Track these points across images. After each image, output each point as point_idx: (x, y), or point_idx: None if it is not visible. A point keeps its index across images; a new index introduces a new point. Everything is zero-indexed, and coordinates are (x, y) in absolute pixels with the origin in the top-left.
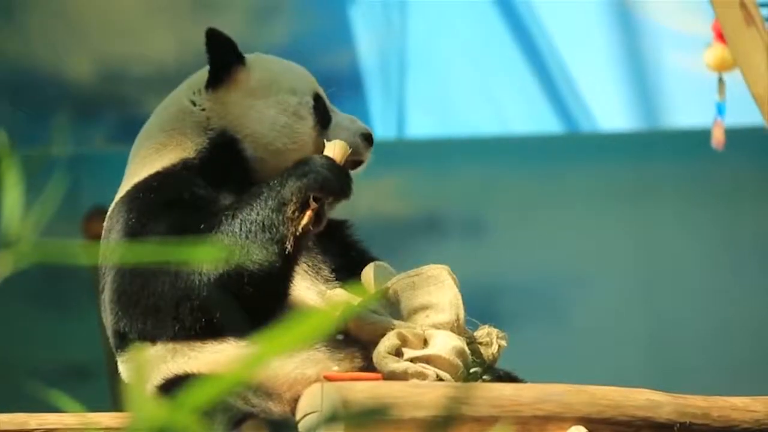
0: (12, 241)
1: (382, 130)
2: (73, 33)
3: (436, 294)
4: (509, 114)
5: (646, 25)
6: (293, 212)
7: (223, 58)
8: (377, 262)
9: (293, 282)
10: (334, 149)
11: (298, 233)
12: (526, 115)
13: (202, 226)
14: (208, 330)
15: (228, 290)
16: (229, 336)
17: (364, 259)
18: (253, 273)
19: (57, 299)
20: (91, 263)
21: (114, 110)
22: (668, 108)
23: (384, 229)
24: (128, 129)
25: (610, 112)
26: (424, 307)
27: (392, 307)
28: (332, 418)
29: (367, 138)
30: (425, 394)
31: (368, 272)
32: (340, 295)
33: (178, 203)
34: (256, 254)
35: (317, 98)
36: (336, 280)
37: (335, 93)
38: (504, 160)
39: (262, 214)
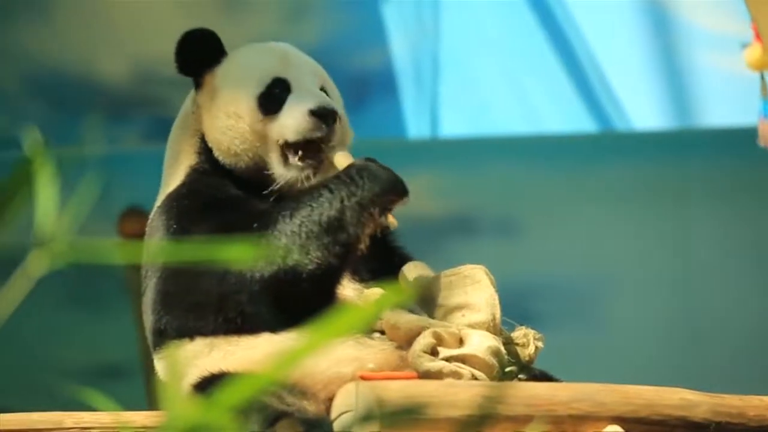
0: (47, 240)
1: (415, 129)
2: (107, 33)
3: (473, 294)
4: (542, 113)
5: (679, 24)
6: (375, 215)
7: (189, 64)
8: (415, 262)
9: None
10: (344, 159)
11: (377, 233)
12: (559, 113)
13: (254, 225)
14: (248, 326)
15: (276, 289)
16: (267, 332)
17: (403, 261)
18: (308, 273)
19: (92, 299)
20: (126, 263)
21: (147, 110)
22: (702, 107)
23: (416, 229)
24: (161, 128)
25: (643, 110)
26: (460, 307)
27: (428, 306)
28: (367, 417)
29: (317, 113)
30: (460, 394)
31: (406, 272)
32: (377, 294)
33: (216, 205)
34: (315, 255)
35: (273, 84)
36: (375, 280)
37: (367, 92)
38: (537, 160)
39: (327, 215)
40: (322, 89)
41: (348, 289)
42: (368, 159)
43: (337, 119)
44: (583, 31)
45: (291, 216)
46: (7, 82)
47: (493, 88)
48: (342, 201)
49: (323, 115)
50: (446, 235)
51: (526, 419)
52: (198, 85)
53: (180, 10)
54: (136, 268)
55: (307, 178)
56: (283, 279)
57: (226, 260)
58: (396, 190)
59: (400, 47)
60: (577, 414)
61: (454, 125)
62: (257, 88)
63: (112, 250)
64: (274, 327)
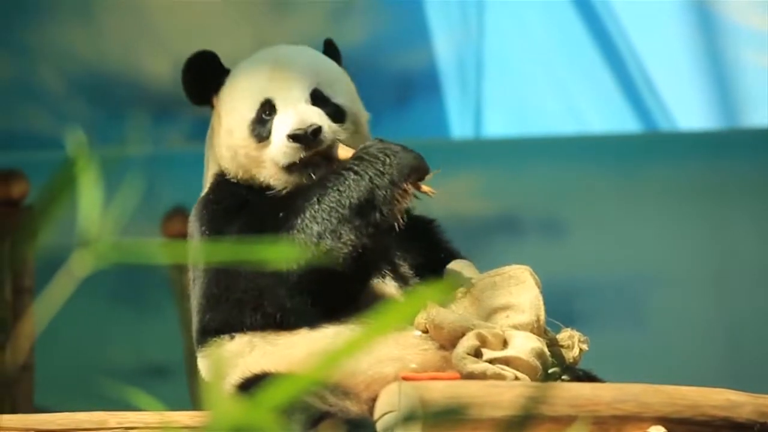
0: (91, 240)
1: (459, 129)
2: (150, 33)
3: (517, 294)
4: (586, 113)
5: (724, 23)
6: (407, 189)
7: (196, 92)
8: (461, 261)
9: (374, 276)
10: (343, 154)
11: (408, 207)
12: (603, 113)
13: (280, 214)
14: (287, 321)
15: (314, 278)
16: (306, 327)
17: (450, 258)
18: (344, 257)
19: (137, 298)
20: (170, 263)
21: (191, 109)
22: (747, 106)
23: (460, 229)
24: (204, 128)
25: (688, 110)
26: (504, 308)
27: (473, 306)
28: (410, 418)
29: (293, 138)
30: (503, 394)
31: (451, 270)
32: (421, 292)
33: (242, 205)
34: (348, 238)
35: (261, 108)
36: (419, 278)
37: (410, 92)
38: (581, 159)
39: (358, 197)
40: (316, 91)
41: (391, 286)
42: (379, 139)
43: (320, 132)
44: (627, 30)
45: (319, 202)
46: (51, 83)
47: (537, 87)
48: (371, 180)
49: (301, 137)
50: (490, 235)
51: (570, 420)
52: (211, 106)
53: (224, 9)
54: (180, 268)
55: (309, 177)
56: (319, 267)
57: (263, 258)
58: (422, 164)
59: (444, 47)
60: (620, 414)
61: (498, 125)
62: (248, 115)
63: (156, 250)
64: (314, 321)
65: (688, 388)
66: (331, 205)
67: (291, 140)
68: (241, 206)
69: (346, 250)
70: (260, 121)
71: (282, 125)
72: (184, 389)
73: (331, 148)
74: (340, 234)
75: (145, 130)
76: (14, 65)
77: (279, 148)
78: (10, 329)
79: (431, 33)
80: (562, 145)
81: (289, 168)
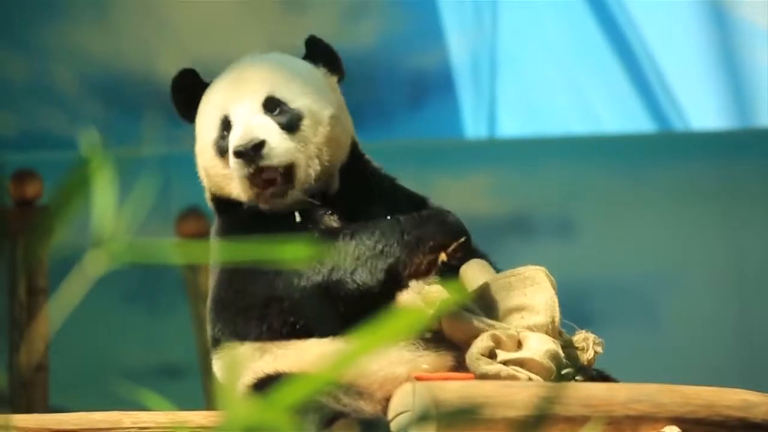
0: (105, 240)
1: (473, 129)
2: (164, 33)
3: (532, 295)
4: (600, 113)
5: (739, 23)
6: (430, 249)
7: (185, 111)
8: (477, 260)
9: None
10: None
11: (419, 270)
12: (617, 113)
13: (317, 236)
14: (296, 330)
15: (316, 301)
16: (317, 336)
17: (468, 255)
18: (347, 293)
19: (150, 298)
20: (184, 262)
21: None
22: (760, 106)
23: (474, 229)
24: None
25: (702, 110)
26: (519, 308)
27: (488, 306)
28: (424, 418)
29: (237, 154)
30: (517, 394)
31: (467, 270)
32: (436, 291)
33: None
34: (359, 277)
35: (222, 126)
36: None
37: (424, 92)
38: (595, 160)
39: (383, 243)
40: (271, 100)
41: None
42: (444, 210)
43: (263, 147)
44: (641, 30)
45: (351, 236)
46: (65, 83)
47: (550, 87)
48: (403, 233)
49: (242, 153)
50: (503, 235)
51: (584, 420)
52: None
53: (239, 9)
54: (194, 268)
55: (273, 195)
56: (323, 293)
57: (278, 261)
58: (454, 233)
59: (457, 47)
60: (635, 415)
61: (512, 125)
62: (212, 134)
63: (170, 250)
64: (316, 334)
65: (702, 388)
66: (359, 241)
67: (235, 156)
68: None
69: (351, 287)
70: (221, 139)
71: (231, 142)
72: (198, 389)
73: (293, 164)
74: (353, 270)
75: (160, 130)
76: (29, 65)
77: (231, 164)
78: (25, 329)
79: (445, 33)
80: (576, 145)
81: (248, 182)
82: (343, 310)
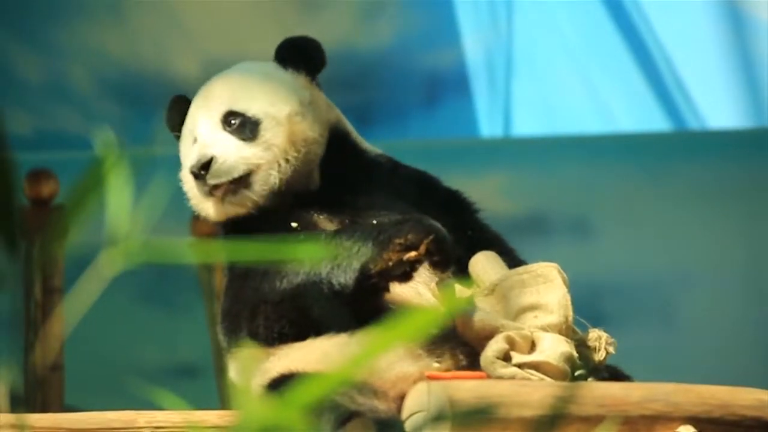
0: (120, 240)
1: (488, 128)
2: (180, 33)
3: (545, 294)
4: (616, 112)
5: (754, 22)
6: (400, 245)
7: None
8: (484, 252)
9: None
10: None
11: (388, 268)
12: (632, 112)
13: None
14: (291, 333)
15: (296, 303)
16: (322, 334)
17: (478, 235)
18: (333, 291)
19: (165, 298)
20: (199, 262)
21: None
22: None
23: None
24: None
25: (718, 109)
26: (533, 307)
27: (499, 303)
28: (439, 417)
29: (192, 175)
30: (532, 394)
31: (475, 263)
32: (449, 289)
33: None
34: (339, 276)
35: (193, 143)
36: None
37: (439, 92)
38: (610, 159)
39: (359, 242)
40: (229, 114)
41: (415, 283)
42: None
43: (210, 163)
44: (657, 29)
45: (332, 238)
46: (80, 82)
47: (566, 86)
48: (379, 234)
49: (195, 174)
50: (519, 234)
51: (599, 419)
52: None
53: (254, 9)
54: (209, 268)
55: (225, 200)
56: (302, 295)
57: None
58: (426, 233)
59: (473, 46)
60: (650, 414)
61: (527, 124)
62: (188, 155)
63: (185, 249)
64: (330, 330)
65: (718, 388)
66: (339, 241)
67: (193, 177)
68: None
69: (326, 288)
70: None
71: (191, 159)
72: (213, 388)
73: (250, 172)
74: (330, 270)
75: None
76: (45, 65)
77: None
78: (40, 329)
79: (460, 32)
80: (591, 144)
81: (212, 199)
82: (323, 311)
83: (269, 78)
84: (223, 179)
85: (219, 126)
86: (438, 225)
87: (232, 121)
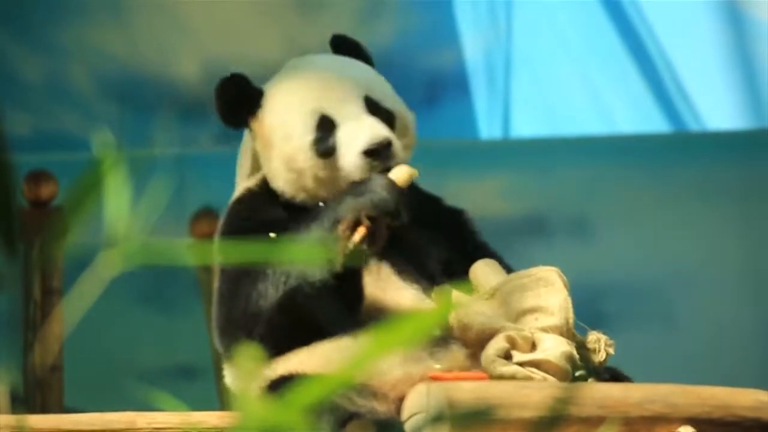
0: (119, 241)
1: (488, 130)
2: (180, 33)
3: (546, 297)
4: (615, 113)
5: (754, 23)
6: (344, 230)
7: (232, 116)
8: (486, 260)
9: (364, 291)
10: (399, 172)
11: (347, 251)
12: (632, 114)
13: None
14: (290, 342)
15: (288, 310)
16: (323, 338)
17: (478, 252)
18: (309, 290)
19: (164, 299)
20: (198, 263)
21: None
22: None
23: (488, 230)
24: (233, 131)
25: (718, 110)
26: (533, 310)
27: (500, 308)
28: (438, 419)
29: (368, 153)
30: (532, 395)
31: (476, 270)
32: (449, 292)
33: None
34: (310, 272)
35: (319, 126)
36: (446, 274)
37: (439, 92)
38: (610, 160)
39: (316, 233)
40: (368, 99)
41: (407, 291)
42: (383, 176)
43: (392, 146)
44: (656, 30)
45: (296, 232)
46: (79, 83)
47: (566, 88)
48: (330, 217)
49: (376, 152)
50: (519, 236)
51: (598, 421)
52: (248, 127)
53: (254, 10)
54: (208, 269)
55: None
56: (294, 298)
57: (285, 259)
58: (379, 208)
59: (472, 47)
60: (649, 415)
61: (527, 126)
62: (308, 136)
63: (184, 251)
64: (306, 343)
65: (717, 389)
66: (299, 238)
67: (366, 156)
68: (249, 228)
69: (308, 286)
70: (321, 140)
71: (351, 140)
72: (212, 390)
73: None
74: (303, 268)
75: (174, 130)
76: (44, 65)
77: (352, 164)
78: (39, 330)
79: (460, 33)
80: (591, 145)
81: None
82: (321, 313)
83: (382, 77)
84: (397, 161)
85: (365, 110)
86: (382, 196)
87: (374, 109)
